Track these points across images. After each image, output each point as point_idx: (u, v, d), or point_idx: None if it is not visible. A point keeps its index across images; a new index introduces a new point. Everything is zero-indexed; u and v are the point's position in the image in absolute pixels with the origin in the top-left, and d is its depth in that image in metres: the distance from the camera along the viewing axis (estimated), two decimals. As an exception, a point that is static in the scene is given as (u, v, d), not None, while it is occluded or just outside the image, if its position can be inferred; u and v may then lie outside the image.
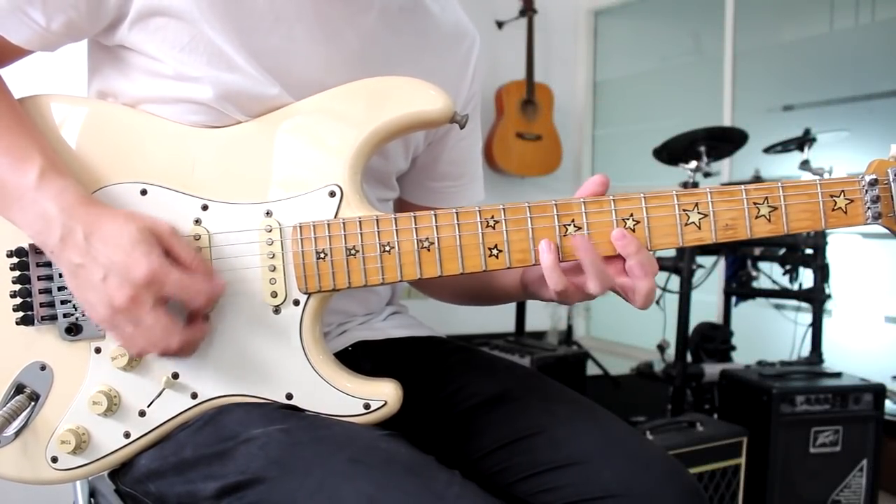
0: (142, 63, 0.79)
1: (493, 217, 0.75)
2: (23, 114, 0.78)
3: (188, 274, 0.71)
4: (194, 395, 0.78)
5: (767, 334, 3.36)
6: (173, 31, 0.76)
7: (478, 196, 1.07)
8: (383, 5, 0.86)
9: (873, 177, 0.74)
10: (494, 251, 0.75)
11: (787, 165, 2.86)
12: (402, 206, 1.06)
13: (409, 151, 0.96)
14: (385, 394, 0.77)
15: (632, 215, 0.75)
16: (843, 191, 0.75)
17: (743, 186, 0.75)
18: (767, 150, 2.68)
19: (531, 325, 3.54)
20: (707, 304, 3.38)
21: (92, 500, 0.98)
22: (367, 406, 0.77)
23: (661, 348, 2.81)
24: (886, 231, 0.75)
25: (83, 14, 0.76)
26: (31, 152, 0.74)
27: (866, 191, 0.74)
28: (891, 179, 0.74)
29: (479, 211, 0.75)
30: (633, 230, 0.75)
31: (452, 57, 0.97)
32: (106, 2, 0.75)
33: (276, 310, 0.77)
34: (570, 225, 0.75)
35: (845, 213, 0.75)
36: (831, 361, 2.43)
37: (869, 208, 0.75)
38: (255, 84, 0.78)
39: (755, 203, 0.75)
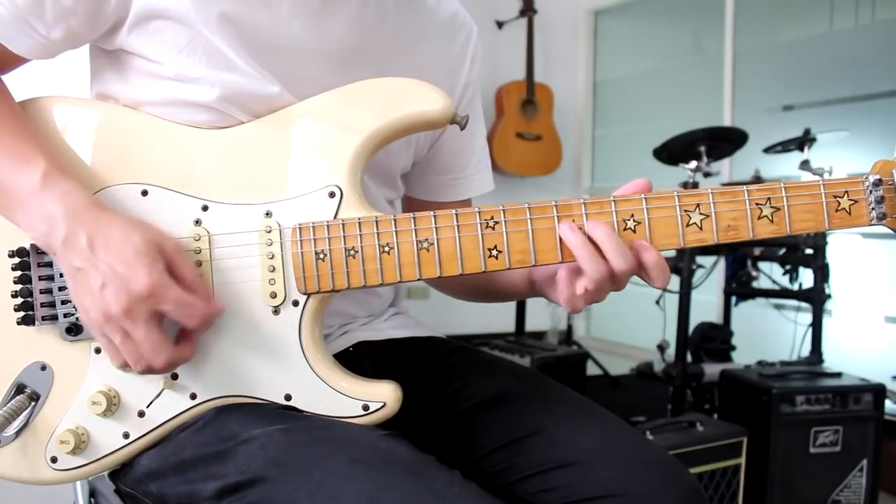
0: (142, 66, 0.79)
1: (492, 218, 0.75)
2: (24, 117, 0.79)
3: (187, 293, 0.70)
4: (193, 396, 0.78)
5: (767, 334, 3.36)
6: (171, 34, 0.77)
7: (485, 187, 1.06)
8: (379, 0, 0.86)
9: (877, 177, 0.74)
10: (494, 252, 0.75)
11: (787, 165, 2.86)
12: (408, 203, 1.06)
13: (412, 149, 0.96)
14: (384, 395, 0.77)
15: (633, 216, 0.75)
16: (846, 191, 0.74)
17: (745, 187, 0.75)
18: (767, 150, 2.68)
19: (531, 325, 3.54)
20: (707, 304, 3.38)
21: (92, 500, 0.98)
22: (365, 407, 0.76)
23: (661, 348, 2.81)
24: (888, 231, 0.75)
25: (82, 21, 0.76)
26: (34, 155, 0.74)
27: (870, 191, 0.74)
28: (895, 180, 0.74)
29: (479, 212, 0.75)
30: (634, 230, 0.75)
31: (449, 49, 0.97)
32: (104, 8, 0.76)
33: (276, 310, 0.77)
34: (570, 226, 0.75)
35: (849, 213, 0.74)
36: (831, 361, 2.43)
37: (873, 209, 0.74)
38: (255, 82, 0.78)
39: (757, 203, 0.74)
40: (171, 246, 0.72)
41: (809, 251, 2.54)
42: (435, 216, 0.75)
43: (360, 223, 0.76)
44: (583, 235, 0.74)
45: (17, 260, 0.78)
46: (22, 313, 0.78)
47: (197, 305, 0.70)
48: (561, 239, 0.75)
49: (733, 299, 3.05)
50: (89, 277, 0.69)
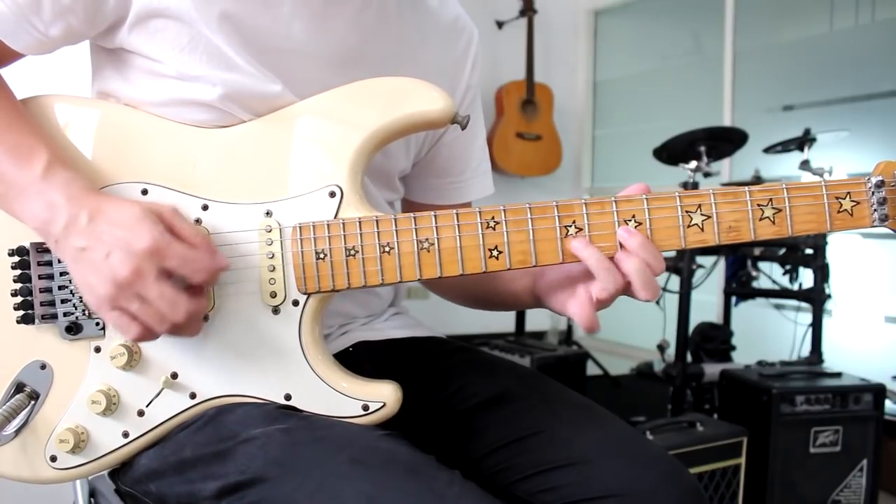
0: (143, 65, 0.79)
1: (493, 218, 0.75)
2: (25, 111, 0.79)
3: (190, 247, 0.71)
4: (193, 395, 0.78)
5: (767, 334, 3.36)
6: (172, 33, 0.77)
7: (485, 190, 1.06)
8: (381, 1, 0.86)
9: (880, 178, 0.74)
10: (495, 252, 0.75)
11: (787, 165, 2.86)
12: (407, 206, 1.05)
13: (411, 151, 0.96)
14: (384, 395, 0.77)
15: (634, 216, 0.75)
16: (848, 192, 0.74)
17: (747, 188, 0.74)
18: (767, 150, 2.68)
19: (531, 325, 3.54)
20: (707, 304, 3.38)
21: (92, 499, 0.98)
22: (365, 407, 0.76)
23: (661, 348, 2.81)
24: (890, 232, 0.75)
25: (82, 19, 0.76)
26: (37, 147, 0.74)
27: (873, 192, 0.74)
28: (898, 181, 0.73)
29: (480, 212, 0.75)
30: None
31: (451, 52, 0.97)
32: (104, 6, 0.76)
33: (276, 310, 0.77)
34: (571, 226, 0.75)
35: (851, 215, 0.74)
36: (831, 361, 2.43)
37: (875, 210, 0.74)
38: (256, 82, 0.78)
39: (759, 205, 0.74)
40: (167, 210, 0.72)
41: (809, 251, 2.54)
42: (435, 216, 0.75)
43: (360, 223, 0.75)
44: (597, 250, 0.74)
45: (16, 259, 0.78)
46: (21, 312, 0.78)
47: (202, 259, 0.71)
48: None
49: (733, 299, 3.05)
50: (94, 252, 0.69)
